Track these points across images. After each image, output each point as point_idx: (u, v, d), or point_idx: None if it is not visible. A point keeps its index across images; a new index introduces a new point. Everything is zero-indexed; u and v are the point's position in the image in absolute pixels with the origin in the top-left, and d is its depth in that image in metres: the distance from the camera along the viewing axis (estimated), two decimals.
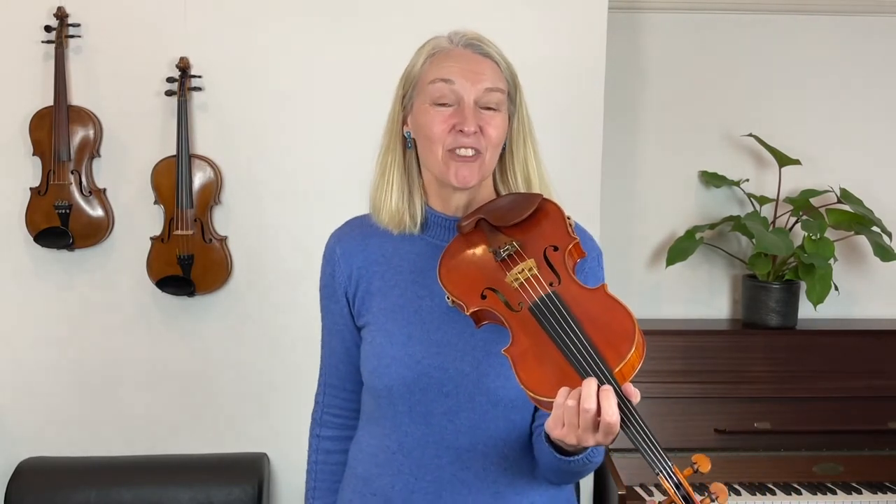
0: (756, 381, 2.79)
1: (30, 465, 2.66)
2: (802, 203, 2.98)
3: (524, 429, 1.44)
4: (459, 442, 1.41)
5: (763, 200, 3.03)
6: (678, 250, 2.94)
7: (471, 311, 1.32)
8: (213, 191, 2.67)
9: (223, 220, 2.73)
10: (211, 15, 2.65)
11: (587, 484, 2.78)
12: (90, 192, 2.65)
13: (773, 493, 2.60)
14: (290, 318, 2.75)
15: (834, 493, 2.61)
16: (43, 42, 2.61)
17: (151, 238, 2.67)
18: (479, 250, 1.38)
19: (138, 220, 2.70)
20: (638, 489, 2.60)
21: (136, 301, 2.73)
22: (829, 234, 2.95)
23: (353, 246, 1.51)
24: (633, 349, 1.18)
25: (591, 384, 1.15)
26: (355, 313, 1.50)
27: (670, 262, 2.93)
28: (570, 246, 1.34)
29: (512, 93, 1.45)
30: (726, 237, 3.11)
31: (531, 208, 1.39)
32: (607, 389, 1.15)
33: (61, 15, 2.59)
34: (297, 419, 2.78)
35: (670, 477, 1.16)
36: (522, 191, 1.46)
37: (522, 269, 1.31)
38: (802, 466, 2.70)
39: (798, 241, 2.94)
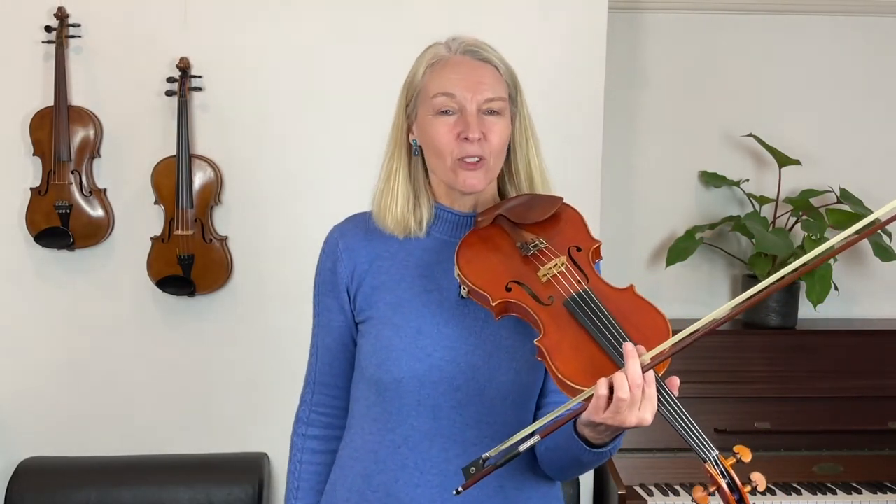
0: (756, 381, 2.79)
1: (30, 465, 2.66)
2: (802, 203, 2.98)
3: (527, 423, 1.45)
4: (466, 435, 1.42)
5: (763, 200, 3.04)
6: (678, 250, 2.94)
7: (496, 302, 1.34)
8: (213, 191, 2.67)
9: (223, 220, 2.73)
10: (211, 15, 2.65)
11: (587, 484, 2.78)
12: (90, 192, 2.66)
13: (773, 493, 2.60)
14: (290, 318, 2.75)
15: (834, 493, 2.61)
16: (43, 42, 2.61)
17: (151, 238, 2.67)
18: (502, 245, 1.41)
19: (138, 220, 2.70)
20: (638, 489, 2.60)
21: (136, 301, 2.73)
22: (829, 234, 2.95)
23: (357, 241, 1.52)
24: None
25: (635, 364, 1.19)
26: (356, 309, 1.50)
27: (670, 262, 2.94)
28: (594, 248, 1.40)
29: (513, 95, 1.48)
30: (726, 237, 3.11)
31: (553, 209, 1.44)
32: (649, 373, 1.20)
33: (61, 15, 2.59)
34: None
35: (717, 465, 1.19)
36: (525, 188, 1.50)
37: (556, 264, 1.35)
38: (802, 466, 2.70)
39: (798, 241, 2.94)
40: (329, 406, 1.58)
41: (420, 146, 1.48)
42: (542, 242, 1.39)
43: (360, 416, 1.51)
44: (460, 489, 1.25)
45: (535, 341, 1.28)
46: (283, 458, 2.79)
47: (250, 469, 2.68)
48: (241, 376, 2.78)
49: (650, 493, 2.58)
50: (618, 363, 1.22)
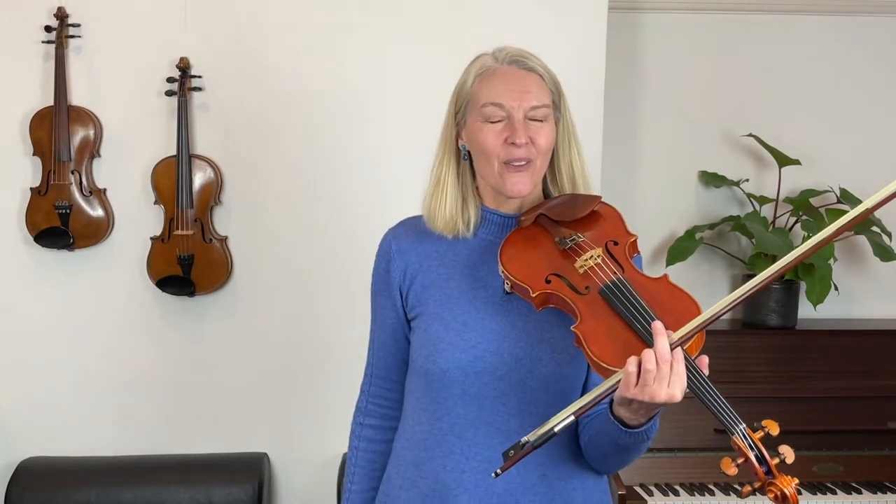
0: (756, 381, 2.79)
1: (30, 465, 2.66)
2: (802, 203, 2.99)
3: None
4: (510, 424, 1.50)
5: (763, 200, 3.04)
6: (678, 250, 2.94)
7: (536, 293, 1.42)
8: (213, 191, 2.67)
9: (223, 220, 2.73)
10: (211, 15, 2.65)
11: None
12: (90, 192, 2.66)
13: None
14: (290, 318, 2.76)
15: (834, 493, 2.62)
16: (43, 42, 2.61)
17: (151, 238, 2.67)
18: (542, 241, 1.51)
19: (138, 220, 2.70)
20: (638, 489, 2.60)
21: (136, 301, 2.73)
22: None
23: (408, 243, 1.62)
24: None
25: (662, 340, 1.26)
26: (408, 307, 1.60)
27: (670, 262, 2.93)
28: (630, 241, 1.48)
29: (557, 101, 1.57)
30: (726, 237, 3.12)
31: (591, 207, 1.53)
32: (678, 351, 1.27)
33: (61, 15, 2.59)
34: (297, 419, 2.81)
35: (745, 438, 1.27)
36: (568, 189, 1.59)
37: (591, 256, 1.44)
38: (802, 466, 2.69)
39: (798, 241, 2.94)
40: (385, 398, 1.67)
41: (469, 151, 1.57)
42: (579, 236, 1.48)
43: (411, 408, 1.60)
44: (499, 471, 1.33)
45: (571, 328, 1.35)
46: (283, 458, 2.81)
47: (250, 469, 2.68)
48: (240, 376, 2.78)
49: (650, 493, 2.59)
50: (649, 344, 1.29)
